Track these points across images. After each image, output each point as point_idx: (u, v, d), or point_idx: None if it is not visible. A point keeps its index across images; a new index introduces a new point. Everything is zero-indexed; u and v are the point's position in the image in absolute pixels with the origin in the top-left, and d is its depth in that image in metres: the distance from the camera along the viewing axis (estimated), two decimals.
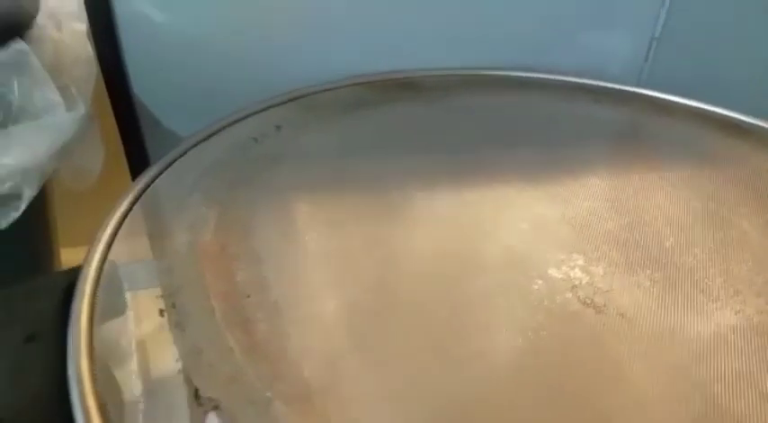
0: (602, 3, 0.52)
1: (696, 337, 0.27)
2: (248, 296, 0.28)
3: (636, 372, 0.25)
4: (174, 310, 0.27)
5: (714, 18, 0.53)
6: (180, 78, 0.46)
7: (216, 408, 0.23)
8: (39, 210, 0.42)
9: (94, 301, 0.27)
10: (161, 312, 0.27)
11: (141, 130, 0.46)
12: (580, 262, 0.31)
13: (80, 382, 0.23)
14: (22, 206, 0.37)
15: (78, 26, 0.43)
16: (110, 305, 0.27)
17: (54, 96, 0.37)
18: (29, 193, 0.37)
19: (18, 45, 0.37)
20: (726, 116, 0.46)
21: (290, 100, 0.44)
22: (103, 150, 0.41)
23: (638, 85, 0.51)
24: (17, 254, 0.42)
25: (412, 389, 0.24)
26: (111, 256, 0.29)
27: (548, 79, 0.51)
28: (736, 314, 0.29)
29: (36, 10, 0.40)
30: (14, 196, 0.37)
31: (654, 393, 0.25)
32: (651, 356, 0.26)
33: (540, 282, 0.30)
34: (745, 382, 0.25)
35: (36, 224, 0.44)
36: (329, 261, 0.30)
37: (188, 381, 0.24)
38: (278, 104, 0.43)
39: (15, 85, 0.35)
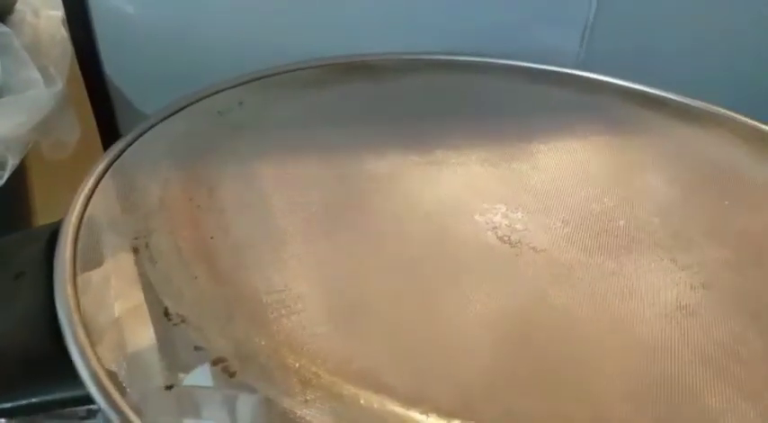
0: None
1: (597, 263, 0.32)
2: (212, 237, 0.32)
3: (543, 288, 0.30)
4: (146, 249, 0.31)
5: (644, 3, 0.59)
6: (149, 61, 0.49)
7: (183, 321, 0.27)
8: (18, 180, 0.46)
9: (77, 240, 0.31)
10: (134, 250, 0.31)
11: (113, 109, 0.50)
12: (502, 210, 0.36)
13: (66, 301, 0.27)
14: (6, 175, 0.41)
15: (53, 12, 0.46)
16: (89, 245, 0.31)
17: (34, 74, 0.41)
18: (12, 163, 0.40)
19: (0, 28, 0.41)
20: (645, 91, 0.51)
21: (252, 80, 0.48)
22: (78, 125, 0.45)
23: (574, 68, 0.56)
24: None
25: (355, 302, 0.29)
26: (90, 208, 0.33)
27: (490, 63, 0.56)
28: (633, 249, 0.34)
29: None
30: None
31: (561, 300, 0.30)
32: (560, 278, 0.31)
33: (465, 225, 0.34)
34: (636, 298, 0.30)
35: (15, 194, 0.47)
36: (287, 211, 0.35)
37: (158, 301, 0.28)
38: (240, 83, 0.47)
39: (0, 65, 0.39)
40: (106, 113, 0.49)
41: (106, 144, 0.51)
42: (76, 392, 0.25)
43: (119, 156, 0.38)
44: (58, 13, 0.46)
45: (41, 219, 0.53)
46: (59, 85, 0.42)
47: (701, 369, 0.27)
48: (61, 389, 0.25)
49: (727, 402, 0.26)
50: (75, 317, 0.26)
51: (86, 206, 0.33)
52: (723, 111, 0.48)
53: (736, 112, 0.48)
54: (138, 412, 0.23)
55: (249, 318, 0.27)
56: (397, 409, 0.24)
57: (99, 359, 0.25)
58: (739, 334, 0.29)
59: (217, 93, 0.46)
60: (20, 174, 0.44)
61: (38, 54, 0.43)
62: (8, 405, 0.25)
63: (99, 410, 0.24)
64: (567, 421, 0.25)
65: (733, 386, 0.27)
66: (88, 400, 0.25)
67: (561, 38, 0.60)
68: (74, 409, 0.26)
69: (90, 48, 0.47)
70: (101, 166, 0.36)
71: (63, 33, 0.46)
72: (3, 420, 0.25)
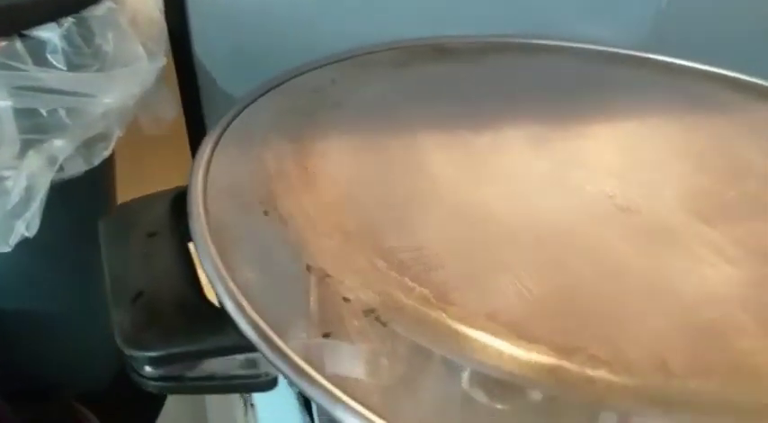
0: None
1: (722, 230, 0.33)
2: (333, 201, 0.33)
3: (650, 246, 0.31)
4: (275, 211, 0.32)
5: None
6: (237, 42, 0.50)
7: (327, 276, 0.28)
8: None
9: (206, 204, 0.31)
10: (265, 213, 0.31)
11: (198, 88, 0.51)
12: (613, 180, 0.36)
13: (212, 260, 0.28)
14: (111, 145, 0.42)
15: None
16: (217, 209, 0.32)
17: (138, 49, 0.42)
18: (117, 133, 0.41)
19: (108, 3, 0.42)
20: (723, 73, 0.51)
21: (340, 60, 0.49)
22: (176, 102, 0.46)
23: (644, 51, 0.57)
24: (91, 191, 0.46)
25: (488, 261, 0.29)
26: (210, 175, 0.34)
27: (564, 46, 0.56)
28: (753, 216, 0.34)
29: None
30: (103, 136, 0.41)
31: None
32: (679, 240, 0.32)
33: (582, 196, 0.35)
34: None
35: (107, 166, 0.48)
36: (399, 179, 0.35)
37: (298, 258, 0.29)
38: (330, 63, 0.48)
39: (110, 37, 0.40)
40: (192, 92, 0.50)
41: (190, 121, 0.52)
42: (235, 341, 0.25)
43: (226, 127, 0.39)
44: None
45: (122, 188, 0.53)
46: (162, 61, 0.43)
47: None
48: (218, 339, 0.26)
49: None
50: (224, 273, 0.27)
51: (207, 173, 0.34)
52: None
53: None
54: (304, 358, 0.24)
55: (389, 272, 0.28)
56: (547, 359, 0.25)
57: (256, 311, 0.26)
58: None
59: (308, 71, 0.47)
60: None
61: (137, 31, 0.44)
62: (164, 352, 0.25)
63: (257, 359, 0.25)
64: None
65: None
66: (245, 348, 0.25)
67: (632, 21, 0.60)
68: (227, 357, 0.26)
69: (182, 27, 0.48)
70: (213, 137, 0.37)
71: (158, 14, 0.47)
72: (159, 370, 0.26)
